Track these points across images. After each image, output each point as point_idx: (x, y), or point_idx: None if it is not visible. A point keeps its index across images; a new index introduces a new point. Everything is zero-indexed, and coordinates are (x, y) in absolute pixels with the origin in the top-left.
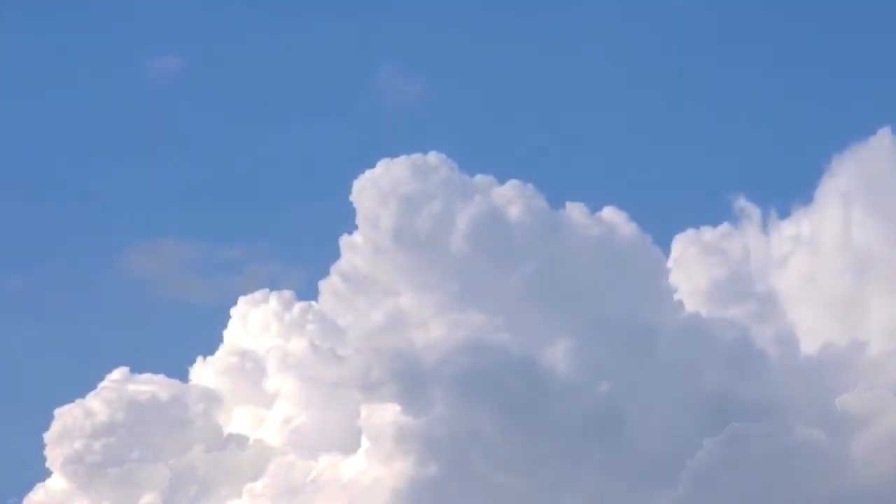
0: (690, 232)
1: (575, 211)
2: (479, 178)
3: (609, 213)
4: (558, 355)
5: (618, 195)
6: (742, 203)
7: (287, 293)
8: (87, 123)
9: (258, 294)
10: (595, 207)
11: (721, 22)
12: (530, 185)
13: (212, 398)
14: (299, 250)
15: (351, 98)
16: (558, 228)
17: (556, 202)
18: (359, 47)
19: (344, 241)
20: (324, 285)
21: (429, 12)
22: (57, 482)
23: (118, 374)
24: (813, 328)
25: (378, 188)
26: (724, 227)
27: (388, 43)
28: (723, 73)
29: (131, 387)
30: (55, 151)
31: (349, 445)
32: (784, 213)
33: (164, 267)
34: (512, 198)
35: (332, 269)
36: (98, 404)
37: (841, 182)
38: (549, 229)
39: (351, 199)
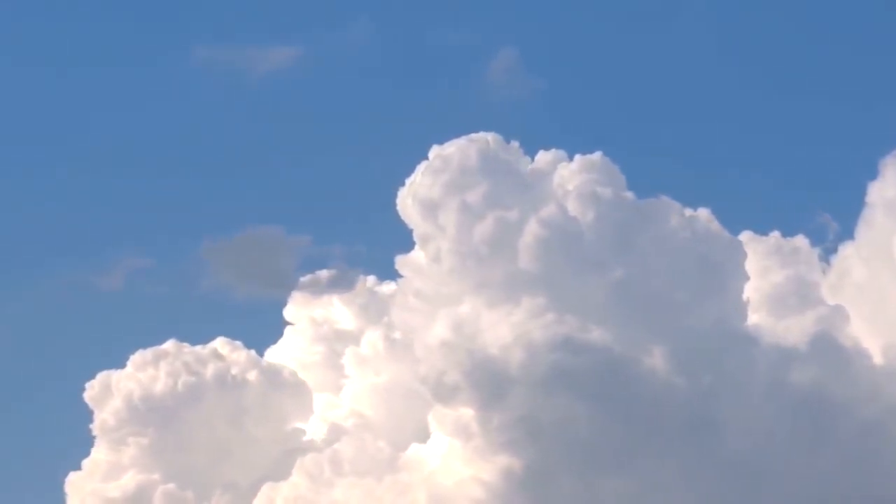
0: (749, 234)
1: (665, 206)
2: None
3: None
4: (656, 359)
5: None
6: (819, 217)
7: (366, 284)
8: (199, 112)
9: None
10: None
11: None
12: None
13: (286, 385)
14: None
15: (463, 92)
16: (648, 223)
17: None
18: (471, 42)
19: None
20: (394, 298)
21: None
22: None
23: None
24: (877, 334)
25: (425, 196)
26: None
27: (501, 37)
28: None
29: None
30: (178, 135)
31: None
32: (846, 224)
33: (256, 258)
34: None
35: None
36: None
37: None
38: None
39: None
